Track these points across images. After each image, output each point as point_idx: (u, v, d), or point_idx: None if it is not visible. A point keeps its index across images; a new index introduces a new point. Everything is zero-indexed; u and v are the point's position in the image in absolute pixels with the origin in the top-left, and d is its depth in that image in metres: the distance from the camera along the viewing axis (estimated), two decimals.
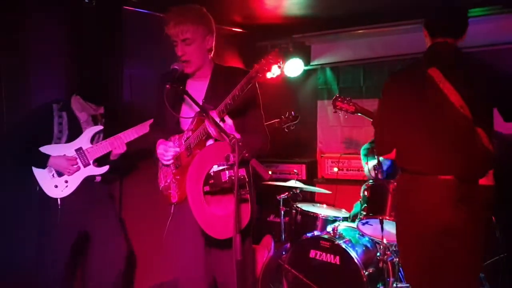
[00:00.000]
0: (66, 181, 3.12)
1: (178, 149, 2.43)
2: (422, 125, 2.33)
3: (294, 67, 5.02)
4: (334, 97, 3.50)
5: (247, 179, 2.01)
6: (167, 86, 2.23)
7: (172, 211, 2.46)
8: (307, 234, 3.68)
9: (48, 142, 3.12)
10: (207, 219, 2.23)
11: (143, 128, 3.19)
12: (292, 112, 2.23)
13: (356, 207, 4.01)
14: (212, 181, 2.12)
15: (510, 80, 2.42)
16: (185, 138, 2.42)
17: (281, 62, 2.13)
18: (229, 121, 2.25)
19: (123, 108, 3.85)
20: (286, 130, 2.33)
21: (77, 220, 3.17)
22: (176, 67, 2.29)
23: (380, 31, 4.71)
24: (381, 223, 3.31)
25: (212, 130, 2.16)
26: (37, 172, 3.09)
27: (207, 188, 2.18)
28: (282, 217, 4.17)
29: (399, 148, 2.43)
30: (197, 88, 2.46)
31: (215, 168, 2.09)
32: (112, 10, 3.77)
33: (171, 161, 2.44)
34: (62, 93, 3.48)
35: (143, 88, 3.89)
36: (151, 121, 3.09)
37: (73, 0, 3.55)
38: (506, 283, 3.24)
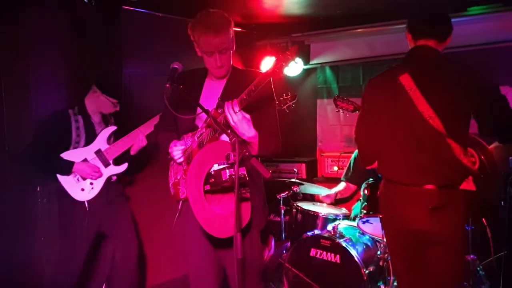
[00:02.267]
0: (92, 183, 3.18)
1: (183, 147, 2.43)
2: (396, 135, 2.32)
3: (293, 66, 5.02)
4: (334, 97, 3.70)
5: (247, 178, 2.01)
6: (167, 85, 2.23)
7: (180, 207, 2.47)
8: (308, 233, 3.68)
9: (67, 147, 3.15)
10: (208, 218, 2.23)
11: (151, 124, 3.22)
12: (289, 93, 2.24)
13: (356, 208, 4.01)
14: (212, 180, 2.11)
15: (491, 90, 2.29)
16: (198, 135, 2.43)
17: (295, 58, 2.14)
18: (246, 115, 2.23)
19: (123, 107, 3.85)
20: (287, 111, 2.35)
21: (98, 220, 3.23)
22: (176, 66, 2.29)
23: (380, 29, 4.71)
24: (382, 221, 3.31)
25: (230, 119, 2.18)
26: (62, 178, 3.13)
27: (207, 187, 2.18)
28: (282, 216, 4.17)
29: (379, 158, 2.44)
30: (215, 88, 2.49)
31: (216, 167, 2.09)
32: (112, 10, 3.77)
33: (182, 159, 2.45)
34: (62, 93, 3.49)
35: (143, 88, 3.89)
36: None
37: (72, 0, 3.55)
38: (507, 281, 3.24)
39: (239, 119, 2.19)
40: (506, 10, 4.04)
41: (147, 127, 3.24)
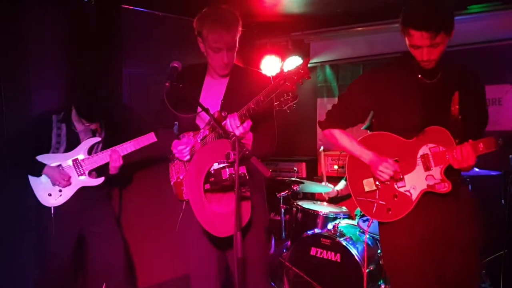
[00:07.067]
0: (60, 190, 3.12)
1: (192, 142, 2.40)
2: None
3: (293, 65, 5.01)
4: None
5: (247, 177, 2.00)
6: (167, 84, 2.21)
7: (184, 208, 2.44)
8: (308, 232, 3.68)
9: (47, 151, 3.13)
10: (208, 217, 2.23)
11: (140, 142, 3.19)
12: (290, 93, 2.20)
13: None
14: (212, 179, 2.11)
15: (482, 93, 2.32)
16: (201, 137, 2.40)
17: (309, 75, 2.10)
18: (247, 125, 2.22)
19: (123, 106, 3.85)
20: (288, 111, 2.31)
21: (73, 225, 3.18)
22: (175, 65, 2.28)
23: (379, 28, 4.71)
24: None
25: (235, 130, 2.15)
26: (32, 180, 3.10)
27: (207, 186, 2.17)
28: (282, 215, 4.18)
29: None
30: (216, 86, 2.45)
31: (216, 166, 2.08)
32: (111, 9, 3.77)
33: (189, 157, 2.42)
34: (62, 92, 3.49)
35: (143, 87, 3.89)
36: (150, 135, 3.10)
37: None
38: (507, 279, 3.24)
39: (242, 132, 2.18)
40: (506, 9, 4.05)
41: (126, 148, 3.19)
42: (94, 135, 3.24)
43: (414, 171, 2.28)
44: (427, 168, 2.24)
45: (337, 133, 2.56)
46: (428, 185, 2.24)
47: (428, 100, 2.25)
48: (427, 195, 2.24)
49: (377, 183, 2.37)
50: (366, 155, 2.40)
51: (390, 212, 2.31)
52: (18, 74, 3.35)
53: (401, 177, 2.29)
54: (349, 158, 2.56)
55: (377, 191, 2.36)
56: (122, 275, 3.35)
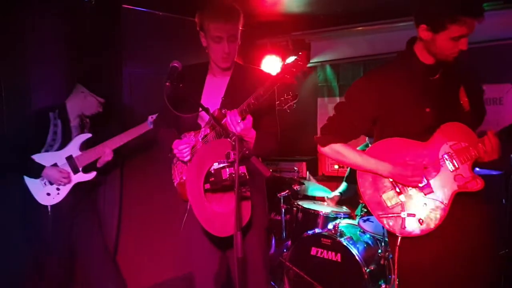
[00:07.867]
0: (58, 189, 3.14)
1: (188, 146, 2.40)
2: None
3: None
4: None
5: (248, 177, 2.00)
6: (167, 84, 2.21)
7: (188, 208, 2.43)
8: (308, 232, 3.68)
9: (39, 149, 3.13)
10: (208, 217, 2.23)
11: (129, 134, 3.24)
12: (290, 92, 2.20)
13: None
14: (212, 178, 2.11)
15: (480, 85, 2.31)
16: (202, 136, 2.40)
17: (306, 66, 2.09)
18: (249, 121, 2.22)
19: (124, 106, 3.85)
20: (288, 111, 2.29)
21: (66, 223, 3.20)
22: (175, 64, 2.28)
23: (380, 28, 4.71)
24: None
25: (234, 128, 2.15)
26: (29, 180, 3.10)
27: (207, 186, 2.17)
28: (283, 215, 4.17)
29: None
30: (217, 84, 2.46)
31: (216, 165, 2.08)
32: (112, 9, 3.77)
33: (189, 157, 2.42)
34: (62, 93, 3.48)
35: (143, 86, 3.89)
36: (141, 126, 3.15)
37: None
38: (507, 279, 3.24)
39: (242, 128, 2.17)
40: (507, 8, 4.04)
41: (116, 142, 3.23)
42: (82, 129, 3.26)
43: (439, 173, 2.13)
44: (453, 167, 2.12)
45: (341, 148, 2.30)
46: (458, 186, 2.10)
47: (435, 97, 2.15)
48: (457, 196, 2.10)
49: (402, 196, 2.16)
50: (383, 167, 2.18)
51: (423, 223, 2.11)
52: (18, 74, 3.35)
53: (427, 183, 2.13)
54: (359, 174, 2.27)
55: (402, 204, 2.15)
56: (113, 281, 3.42)
